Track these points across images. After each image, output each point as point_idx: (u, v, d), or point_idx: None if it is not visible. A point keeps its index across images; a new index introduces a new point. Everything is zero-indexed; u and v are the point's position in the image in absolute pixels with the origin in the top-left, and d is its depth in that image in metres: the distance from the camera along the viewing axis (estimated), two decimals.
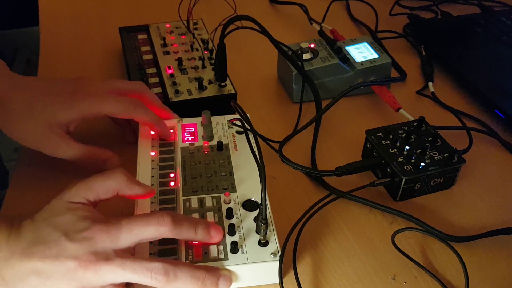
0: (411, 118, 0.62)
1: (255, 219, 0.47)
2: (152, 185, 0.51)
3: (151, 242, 0.46)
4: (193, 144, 0.56)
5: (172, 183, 0.52)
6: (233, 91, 0.64)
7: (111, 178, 0.46)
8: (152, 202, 0.50)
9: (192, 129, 0.58)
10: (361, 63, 0.68)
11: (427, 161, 0.54)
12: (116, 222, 0.42)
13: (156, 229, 0.42)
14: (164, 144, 0.56)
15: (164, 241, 0.46)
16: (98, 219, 0.43)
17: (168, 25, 0.78)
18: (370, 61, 0.68)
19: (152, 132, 0.57)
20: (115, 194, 0.47)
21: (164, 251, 0.45)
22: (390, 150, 0.55)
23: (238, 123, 0.58)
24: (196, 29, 0.76)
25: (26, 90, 0.53)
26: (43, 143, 0.52)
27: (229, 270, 0.44)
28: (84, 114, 0.53)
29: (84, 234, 0.41)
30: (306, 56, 0.69)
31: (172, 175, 0.52)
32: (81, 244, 0.40)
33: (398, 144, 0.56)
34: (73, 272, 0.39)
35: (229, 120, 0.59)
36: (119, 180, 0.46)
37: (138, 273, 0.40)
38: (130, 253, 0.43)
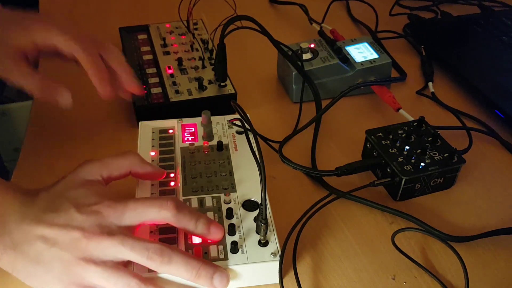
0: (411, 118, 0.62)
1: (255, 219, 0.47)
2: (152, 185, 0.51)
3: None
4: (193, 144, 0.56)
5: (172, 183, 0.52)
6: (233, 91, 0.64)
7: (125, 158, 0.49)
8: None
9: (192, 129, 0.58)
10: (361, 63, 0.68)
11: (427, 161, 0.54)
12: (124, 200, 0.44)
13: (158, 211, 0.44)
14: (164, 144, 0.56)
15: (164, 241, 0.46)
16: (108, 196, 0.45)
17: (168, 25, 0.78)
18: (370, 61, 0.68)
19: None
20: (128, 173, 0.49)
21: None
22: (390, 150, 0.55)
23: (238, 123, 0.58)
24: (196, 29, 0.76)
25: None
26: None
27: (226, 269, 0.44)
28: (36, 42, 0.51)
29: (93, 208, 0.43)
30: (306, 56, 0.69)
31: (172, 175, 0.52)
32: (88, 216, 0.42)
33: (398, 144, 0.56)
34: (77, 241, 0.41)
35: (229, 120, 0.59)
36: (132, 159, 0.49)
37: (136, 250, 0.41)
38: (133, 233, 0.44)
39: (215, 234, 0.45)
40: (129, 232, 0.43)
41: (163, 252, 0.42)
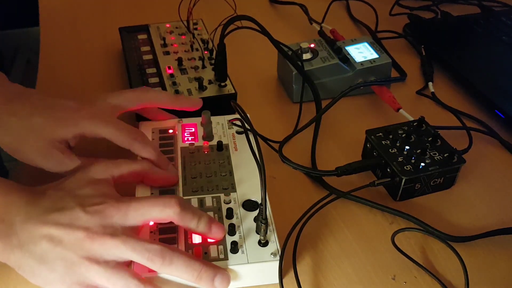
0: (411, 118, 0.62)
1: (255, 219, 0.47)
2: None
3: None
4: (193, 144, 0.56)
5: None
6: (233, 91, 0.64)
7: (137, 163, 0.50)
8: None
9: (192, 129, 0.58)
10: (361, 63, 0.68)
11: (427, 161, 0.54)
12: (127, 200, 0.44)
13: (162, 210, 0.44)
14: (164, 144, 0.56)
15: (164, 241, 0.46)
16: (113, 195, 0.45)
17: (168, 25, 0.78)
18: (370, 61, 0.68)
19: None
20: (140, 178, 0.50)
21: None
22: (390, 150, 0.55)
23: (238, 123, 0.58)
24: (196, 29, 0.76)
25: (26, 102, 0.52)
26: (44, 158, 0.50)
27: (227, 270, 0.44)
28: (84, 134, 0.51)
29: (97, 208, 0.43)
30: (306, 56, 0.69)
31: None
32: (92, 216, 0.42)
33: (398, 144, 0.56)
34: (81, 241, 0.41)
35: (229, 120, 0.59)
36: (145, 165, 0.50)
37: (137, 252, 0.42)
38: (136, 233, 0.45)
39: (216, 233, 0.45)
40: (132, 233, 0.43)
41: (164, 253, 0.42)
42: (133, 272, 0.43)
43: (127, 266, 0.43)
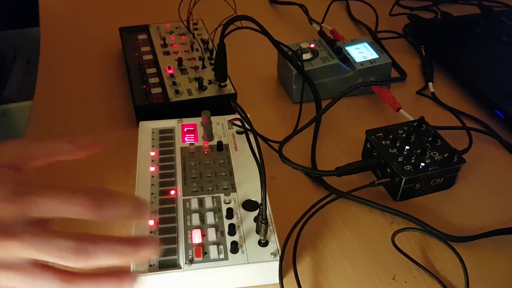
0: (411, 118, 0.62)
1: (255, 219, 0.47)
2: (152, 185, 0.51)
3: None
4: (193, 144, 0.56)
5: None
6: (233, 91, 0.64)
7: (41, 147, 0.41)
8: (152, 202, 0.49)
9: (192, 129, 0.58)
10: (361, 63, 0.68)
11: (427, 161, 0.54)
12: (30, 187, 0.36)
13: (72, 212, 0.35)
14: (164, 144, 0.56)
15: (164, 241, 0.46)
16: (11, 178, 0.37)
17: (168, 25, 0.78)
18: (370, 61, 0.68)
19: None
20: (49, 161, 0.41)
21: (163, 251, 0.45)
22: (390, 150, 0.55)
23: (238, 123, 0.58)
24: (196, 29, 0.77)
25: None
26: None
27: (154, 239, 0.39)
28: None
29: None
30: (306, 56, 0.69)
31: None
32: None
33: (398, 144, 0.56)
34: None
35: (229, 120, 0.59)
36: (49, 150, 0.41)
37: (41, 250, 0.34)
38: (45, 224, 0.37)
39: (141, 214, 0.38)
40: (38, 228, 0.35)
41: (79, 249, 0.34)
42: (56, 271, 0.36)
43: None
